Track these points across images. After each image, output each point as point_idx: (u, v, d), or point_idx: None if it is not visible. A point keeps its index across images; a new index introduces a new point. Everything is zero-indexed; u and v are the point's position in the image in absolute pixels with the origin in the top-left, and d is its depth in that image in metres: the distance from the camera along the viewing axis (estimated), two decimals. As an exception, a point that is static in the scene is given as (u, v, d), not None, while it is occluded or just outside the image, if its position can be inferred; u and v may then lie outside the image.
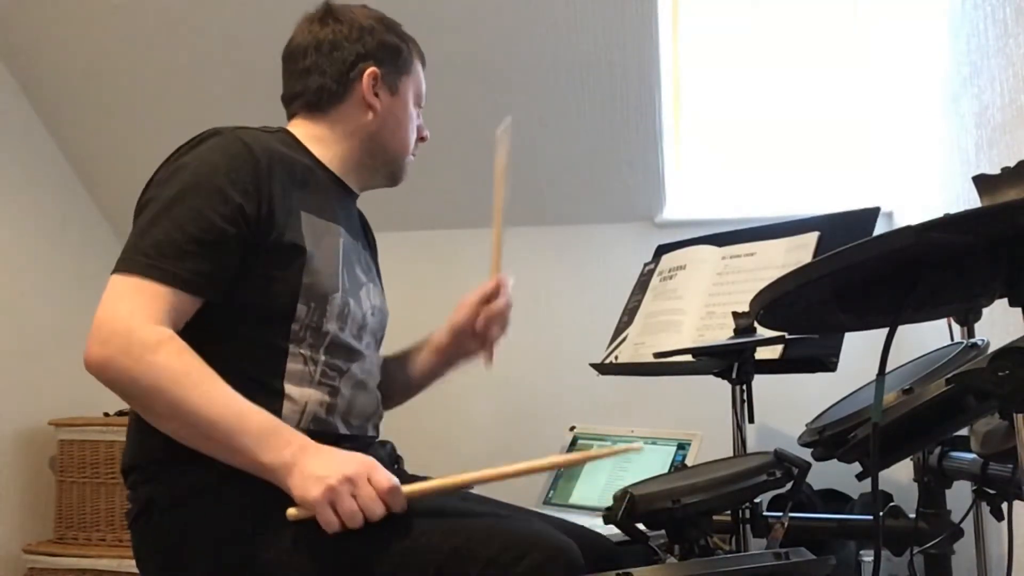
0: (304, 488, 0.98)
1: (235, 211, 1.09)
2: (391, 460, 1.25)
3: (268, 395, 1.11)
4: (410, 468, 1.36)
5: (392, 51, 1.32)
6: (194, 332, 1.07)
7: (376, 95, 1.30)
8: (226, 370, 1.04)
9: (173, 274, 1.05)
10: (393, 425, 1.39)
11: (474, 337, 1.40)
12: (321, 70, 1.29)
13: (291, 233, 1.14)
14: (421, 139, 1.41)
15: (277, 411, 1.11)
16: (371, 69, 1.29)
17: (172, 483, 1.08)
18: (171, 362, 1.01)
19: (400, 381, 1.45)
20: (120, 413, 2.66)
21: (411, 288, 2.73)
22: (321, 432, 1.15)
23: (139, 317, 1.02)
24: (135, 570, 1.16)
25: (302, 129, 1.29)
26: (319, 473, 0.98)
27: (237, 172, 1.11)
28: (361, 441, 1.24)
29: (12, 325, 2.60)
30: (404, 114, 1.34)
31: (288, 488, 1.00)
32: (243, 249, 1.10)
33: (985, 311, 1.06)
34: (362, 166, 1.33)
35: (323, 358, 1.17)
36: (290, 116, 1.33)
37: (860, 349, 1.37)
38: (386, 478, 1.00)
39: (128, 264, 1.06)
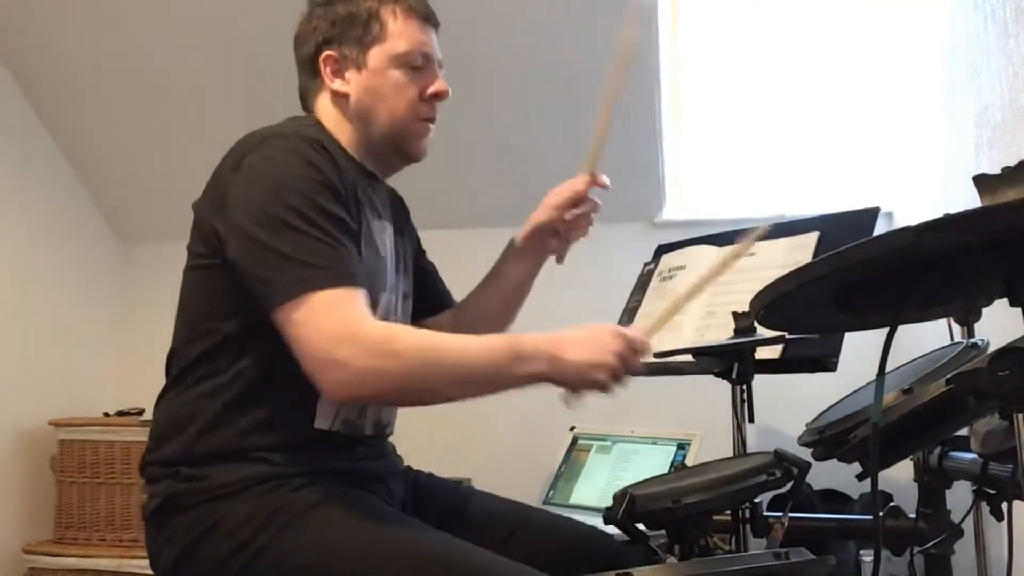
0: (580, 386, 1.09)
1: (345, 203, 1.10)
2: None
3: (305, 394, 1.09)
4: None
5: (347, 23, 1.23)
6: (239, 333, 1.08)
7: (343, 78, 1.23)
8: (268, 372, 1.07)
9: (355, 275, 1.06)
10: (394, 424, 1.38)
11: (554, 235, 1.43)
12: (299, 70, 1.28)
13: (358, 230, 1.14)
14: (434, 96, 1.26)
15: (311, 412, 1.11)
16: (325, 54, 1.23)
17: (193, 481, 1.08)
18: (411, 345, 1.04)
19: (490, 306, 1.45)
20: (120, 413, 2.66)
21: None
22: (347, 435, 1.16)
23: (359, 321, 1.02)
24: (135, 570, 1.16)
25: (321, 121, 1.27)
26: (588, 376, 1.07)
27: (327, 167, 1.10)
28: (381, 440, 1.25)
29: (12, 325, 2.60)
30: (381, 84, 1.22)
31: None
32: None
33: (985, 311, 1.07)
34: (373, 149, 1.26)
35: None
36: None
37: (860, 349, 1.36)
38: (640, 348, 1.10)
39: (313, 281, 1.02)
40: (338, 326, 1.01)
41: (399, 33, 1.23)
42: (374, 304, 1.15)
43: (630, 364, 1.09)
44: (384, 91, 1.23)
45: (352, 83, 1.23)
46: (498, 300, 1.44)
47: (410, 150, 1.27)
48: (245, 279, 1.06)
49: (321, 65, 1.24)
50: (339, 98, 1.24)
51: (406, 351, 1.03)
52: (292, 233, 1.04)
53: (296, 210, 1.05)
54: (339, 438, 1.15)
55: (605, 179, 1.41)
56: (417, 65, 1.24)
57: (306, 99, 1.28)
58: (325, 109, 1.26)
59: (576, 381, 1.08)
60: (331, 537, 1.03)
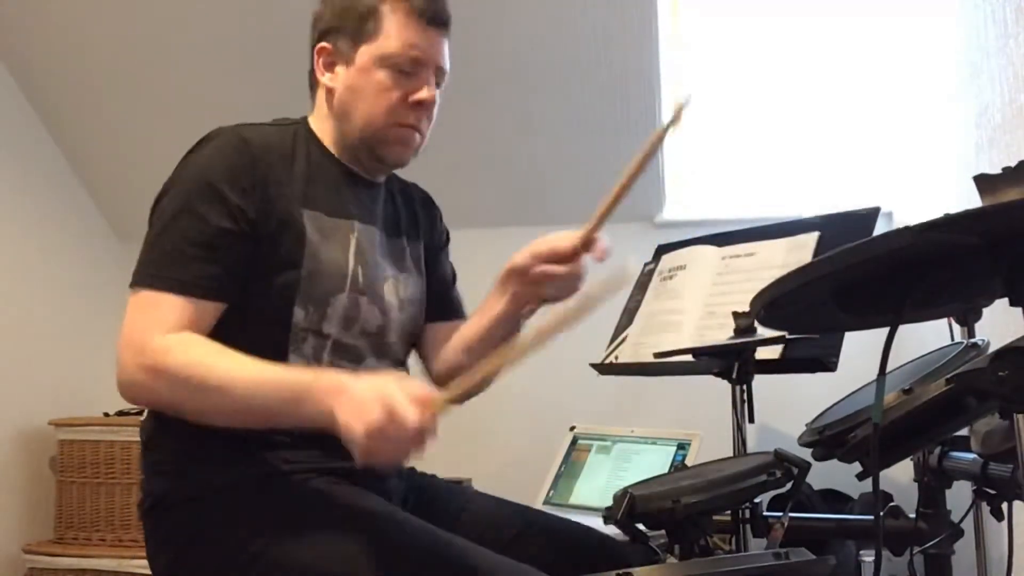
0: (352, 448, 0.93)
1: (234, 210, 1.09)
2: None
3: None
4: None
5: (346, 16, 1.20)
6: (217, 327, 1.09)
7: (333, 71, 1.22)
8: None
9: (183, 282, 1.06)
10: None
11: (525, 285, 1.23)
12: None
13: (290, 233, 1.12)
14: (418, 103, 1.19)
15: None
16: (319, 46, 1.23)
17: (187, 479, 1.09)
18: (179, 365, 1.02)
19: (470, 335, 1.31)
20: (120, 413, 2.66)
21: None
22: (325, 435, 1.15)
23: (152, 330, 1.04)
24: (135, 570, 1.17)
25: (311, 117, 1.26)
26: (352, 438, 0.92)
27: (234, 171, 1.10)
28: None
29: (12, 325, 2.60)
30: (363, 83, 1.19)
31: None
32: (247, 248, 1.10)
33: (985, 311, 1.07)
34: (348, 147, 1.23)
35: (327, 359, 1.15)
36: None
37: (860, 349, 1.36)
38: (409, 425, 0.90)
39: (140, 277, 1.08)
40: (134, 332, 1.05)
41: (393, 33, 1.18)
42: (321, 309, 1.14)
43: (387, 437, 0.90)
44: (365, 91, 1.19)
45: (339, 79, 1.21)
46: (477, 332, 1.30)
47: (384, 155, 1.22)
48: None
49: (315, 56, 1.23)
50: (327, 92, 1.23)
51: (173, 371, 1.02)
52: (158, 229, 1.10)
53: (172, 208, 1.10)
54: (329, 436, 1.13)
55: (602, 248, 1.19)
56: (405, 69, 1.19)
57: (310, 89, 1.28)
58: (320, 99, 1.26)
59: (344, 437, 0.94)
60: (328, 537, 1.03)
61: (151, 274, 1.07)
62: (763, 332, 1.32)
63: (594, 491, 2.17)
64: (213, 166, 1.11)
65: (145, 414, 1.18)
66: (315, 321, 1.14)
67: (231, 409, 1.02)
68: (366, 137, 1.20)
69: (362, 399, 0.92)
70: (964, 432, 1.23)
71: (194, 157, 1.14)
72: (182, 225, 1.08)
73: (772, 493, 1.09)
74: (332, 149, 1.24)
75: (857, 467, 1.12)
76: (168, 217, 1.10)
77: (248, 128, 1.16)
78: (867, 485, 1.00)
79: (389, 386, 0.93)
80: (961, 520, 1.45)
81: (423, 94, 1.19)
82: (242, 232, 1.09)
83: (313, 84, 1.27)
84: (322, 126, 1.25)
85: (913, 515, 1.49)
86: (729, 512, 1.29)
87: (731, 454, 1.42)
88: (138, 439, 1.18)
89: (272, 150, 1.15)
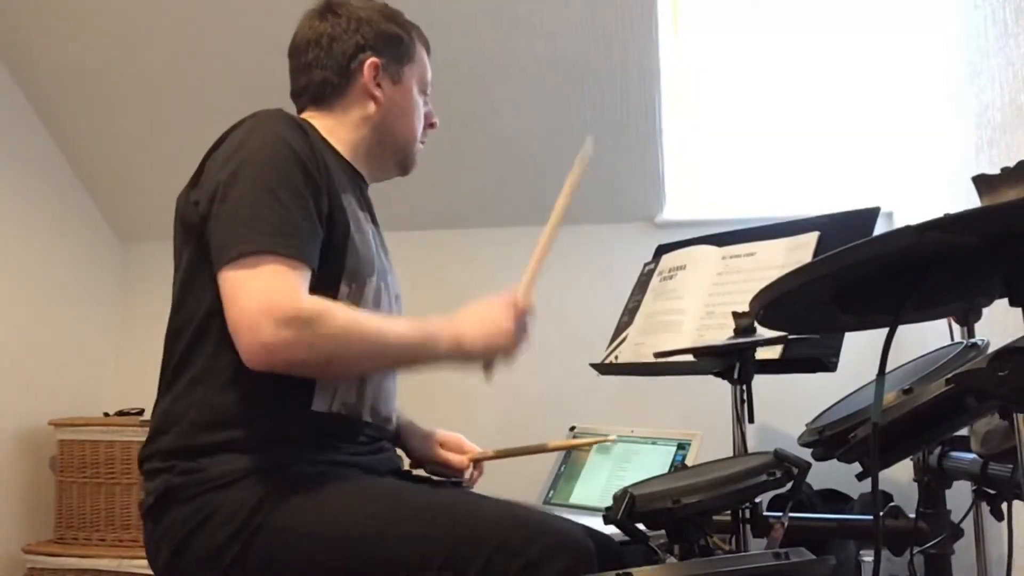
0: (488, 355, 1.21)
1: (319, 184, 1.13)
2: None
3: (301, 378, 1.13)
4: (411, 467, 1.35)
5: (392, 40, 1.33)
6: (224, 322, 1.09)
7: (379, 85, 1.31)
8: None
9: (304, 252, 1.09)
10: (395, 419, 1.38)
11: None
12: (322, 64, 1.30)
13: (340, 212, 1.17)
14: (430, 126, 1.40)
15: (309, 394, 1.14)
16: (371, 59, 1.30)
17: (190, 475, 1.10)
18: (344, 321, 1.08)
19: None
20: (120, 413, 2.66)
21: (409, 289, 2.73)
22: (347, 417, 1.18)
23: (297, 293, 1.06)
24: (135, 570, 1.17)
25: (315, 122, 1.29)
26: (493, 345, 1.20)
27: (307, 148, 1.14)
28: (381, 431, 1.26)
29: (12, 325, 2.60)
30: (409, 102, 1.35)
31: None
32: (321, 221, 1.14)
33: (985, 311, 1.07)
34: (373, 156, 1.33)
35: None
36: (300, 111, 1.34)
37: (860, 349, 1.37)
38: (526, 310, 1.26)
39: (261, 245, 1.06)
40: (275, 295, 1.04)
41: (421, 60, 1.37)
42: (360, 288, 1.19)
43: (524, 327, 1.24)
44: (409, 110, 1.34)
45: (386, 93, 1.31)
46: None
47: (409, 166, 1.39)
48: (208, 242, 1.10)
49: (365, 68, 1.29)
50: (369, 103, 1.30)
51: (333, 330, 1.06)
52: (255, 201, 1.08)
53: (264, 181, 1.09)
54: (338, 425, 1.17)
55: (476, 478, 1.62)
56: (427, 94, 1.39)
57: (324, 95, 1.31)
58: (350, 108, 1.30)
59: (483, 352, 1.19)
60: (330, 503, 1.06)
61: (276, 243, 1.06)
62: (763, 332, 1.31)
63: (594, 491, 2.17)
64: (289, 142, 1.13)
65: (153, 411, 1.18)
66: (355, 300, 1.19)
67: (381, 357, 1.15)
68: (404, 150, 1.36)
69: (488, 312, 1.21)
70: (964, 432, 1.23)
71: (260, 133, 1.14)
72: (283, 197, 1.09)
73: (772, 493, 1.08)
74: (340, 149, 1.29)
75: (857, 467, 1.12)
76: (264, 188, 1.09)
77: (286, 113, 1.19)
78: (867, 485, 1.00)
79: (491, 300, 1.23)
80: (961, 520, 1.45)
81: (436, 118, 1.41)
82: (319, 206, 1.13)
83: (330, 94, 1.30)
84: (336, 128, 1.30)
85: (913, 515, 1.49)
86: (729, 512, 1.29)
87: (731, 454, 1.41)
88: (138, 439, 1.18)
89: (307, 132, 1.18)
